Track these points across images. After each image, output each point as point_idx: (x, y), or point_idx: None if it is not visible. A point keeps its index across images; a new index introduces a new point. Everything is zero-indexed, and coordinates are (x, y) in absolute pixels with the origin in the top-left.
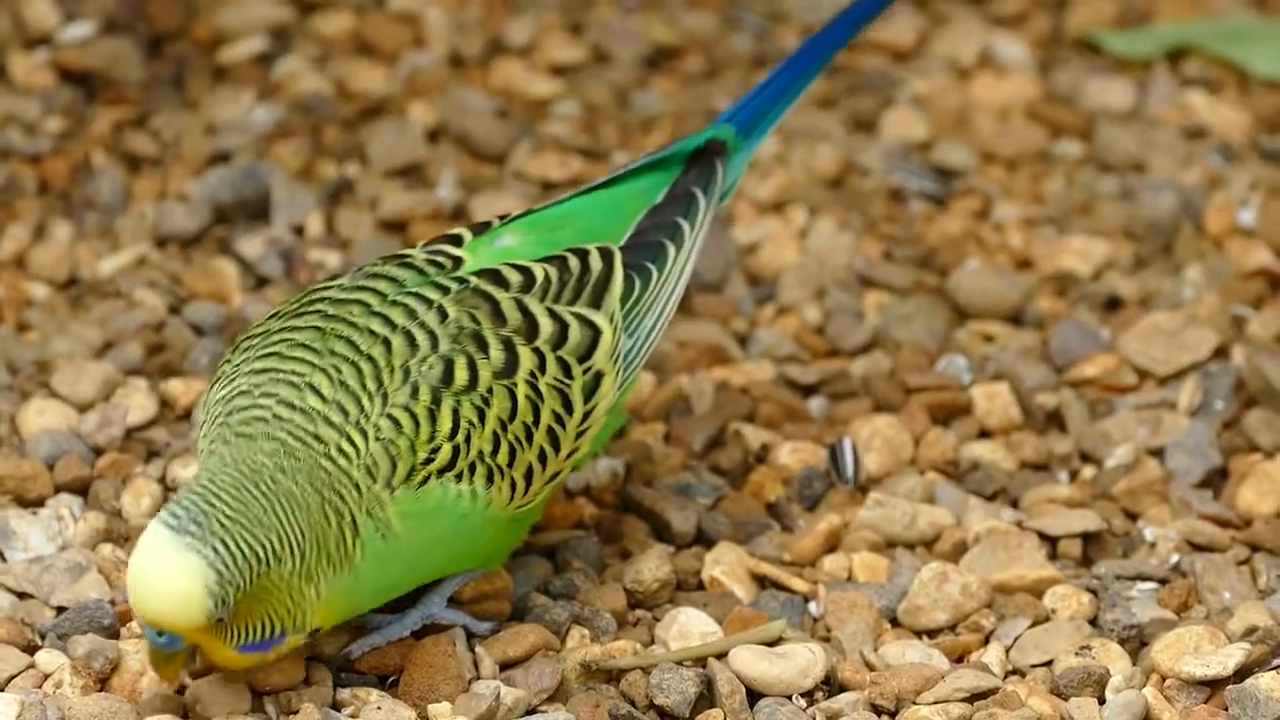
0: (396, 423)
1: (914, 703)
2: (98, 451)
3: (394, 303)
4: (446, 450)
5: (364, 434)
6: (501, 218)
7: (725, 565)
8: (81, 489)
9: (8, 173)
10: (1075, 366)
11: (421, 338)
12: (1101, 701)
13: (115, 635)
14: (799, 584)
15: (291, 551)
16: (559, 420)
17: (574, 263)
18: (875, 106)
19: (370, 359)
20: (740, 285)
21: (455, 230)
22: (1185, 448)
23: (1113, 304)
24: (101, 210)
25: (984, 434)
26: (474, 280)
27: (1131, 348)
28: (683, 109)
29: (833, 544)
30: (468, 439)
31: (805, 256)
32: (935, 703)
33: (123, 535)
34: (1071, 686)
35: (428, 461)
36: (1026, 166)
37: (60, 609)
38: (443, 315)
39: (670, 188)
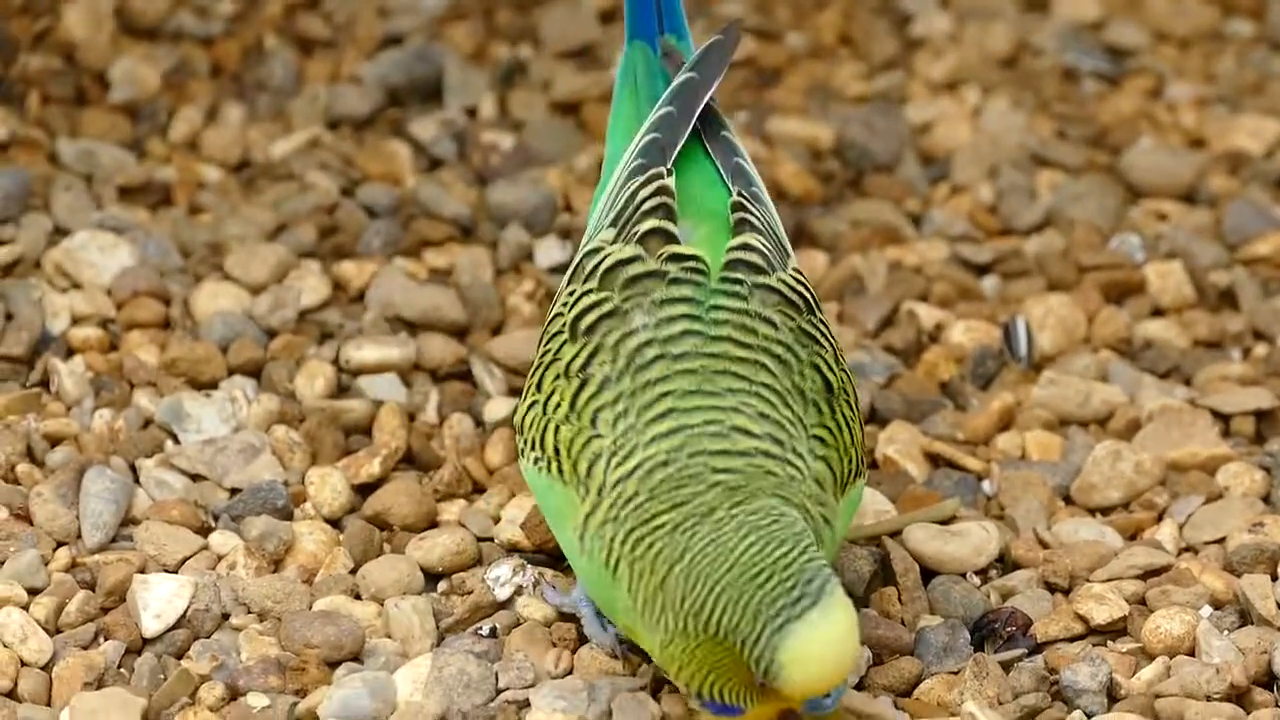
0: (822, 440)
1: (1087, 580)
2: (271, 334)
3: (721, 323)
4: (853, 453)
5: (801, 456)
6: (656, 197)
7: (899, 444)
8: (255, 371)
9: (180, 55)
10: (1248, 244)
11: (783, 352)
12: (1274, 578)
13: (289, 517)
14: (973, 462)
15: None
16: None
17: (751, 218)
18: None
19: (767, 385)
20: (913, 165)
21: (662, 226)
22: None
23: None
24: (273, 92)
25: (1157, 312)
26: (747, 278)
27: None
28: None
29: (1006, 422)
30: (854, 437)
31: (978, 136)
32: (1108, 580)
33: (296, 417)
34: (1244, 563)
35: (849, 468)
36: (1198, 45)
37: (234, 490)
38: (772, 323)
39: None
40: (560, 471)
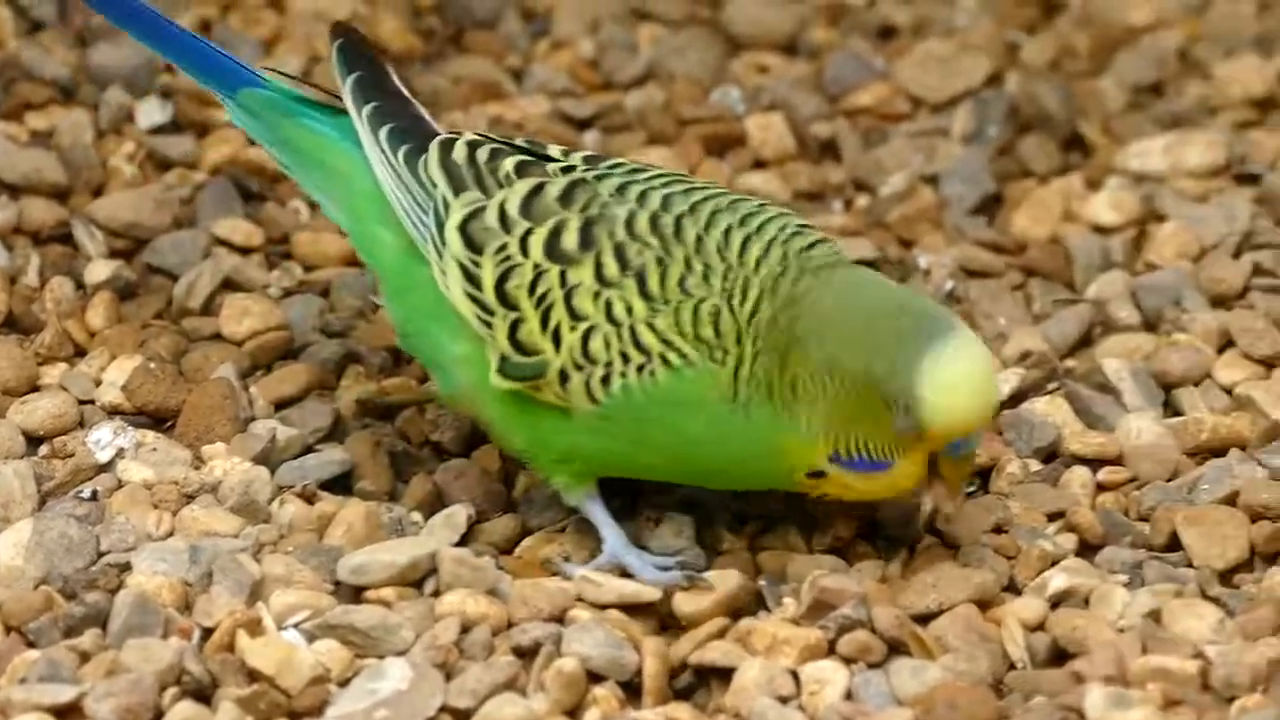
0: None
1: None
2: None
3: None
4: None
5: None
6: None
7: None
8: None
9: None
10: (849, 95)
11: None
12: None
13: None
14: None
15: None
16: None
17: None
18: None
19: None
20: (514, 20)
21: (521, 158)
22: (959, 175)
23: (886, 32)
24: None
25: (759, 164)
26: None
27: (905, 76)
28: None
29: None
30: None
31: None
32: None
33: None
34: None
35: None
36: None
37: None
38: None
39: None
40: (681, 356)
